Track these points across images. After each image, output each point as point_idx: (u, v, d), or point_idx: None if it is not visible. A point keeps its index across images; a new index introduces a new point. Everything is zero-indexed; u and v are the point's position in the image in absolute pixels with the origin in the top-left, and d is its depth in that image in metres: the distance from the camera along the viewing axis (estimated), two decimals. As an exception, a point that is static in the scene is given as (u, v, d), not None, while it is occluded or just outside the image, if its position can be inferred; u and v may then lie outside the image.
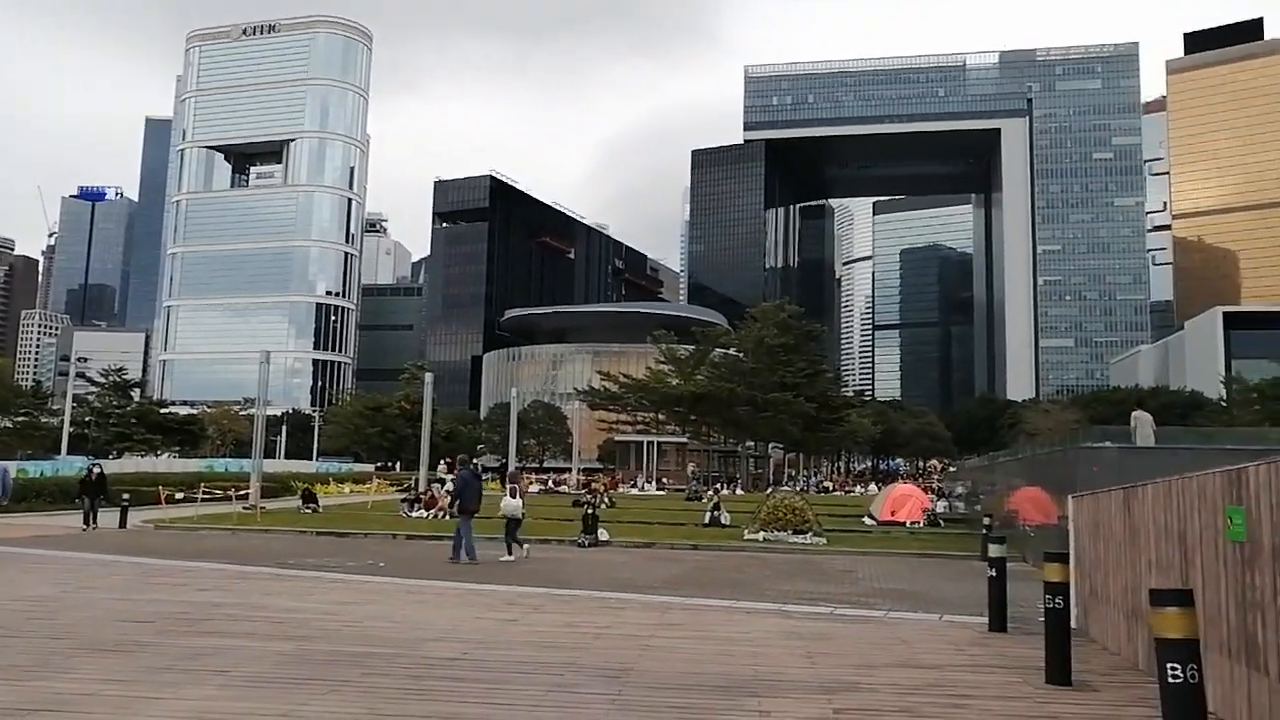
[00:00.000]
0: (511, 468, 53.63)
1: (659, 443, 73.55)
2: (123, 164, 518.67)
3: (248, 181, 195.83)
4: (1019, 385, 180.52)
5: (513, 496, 19.36)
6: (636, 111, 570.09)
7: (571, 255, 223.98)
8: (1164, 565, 7.66)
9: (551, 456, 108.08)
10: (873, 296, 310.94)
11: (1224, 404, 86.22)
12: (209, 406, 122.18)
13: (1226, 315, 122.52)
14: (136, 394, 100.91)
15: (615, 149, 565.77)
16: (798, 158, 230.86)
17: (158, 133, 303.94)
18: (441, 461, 40.81)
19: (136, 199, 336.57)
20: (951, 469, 70.01)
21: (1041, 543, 15.94)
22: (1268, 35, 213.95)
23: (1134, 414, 20.76)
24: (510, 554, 18.54)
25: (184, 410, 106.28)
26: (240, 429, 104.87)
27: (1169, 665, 4.58)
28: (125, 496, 26.41)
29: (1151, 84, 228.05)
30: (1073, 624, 9.03)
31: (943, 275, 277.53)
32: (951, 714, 6.63)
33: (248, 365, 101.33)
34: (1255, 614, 5.85)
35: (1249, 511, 5.94)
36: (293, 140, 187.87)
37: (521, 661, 8.26)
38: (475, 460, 30.82)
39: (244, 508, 31.48)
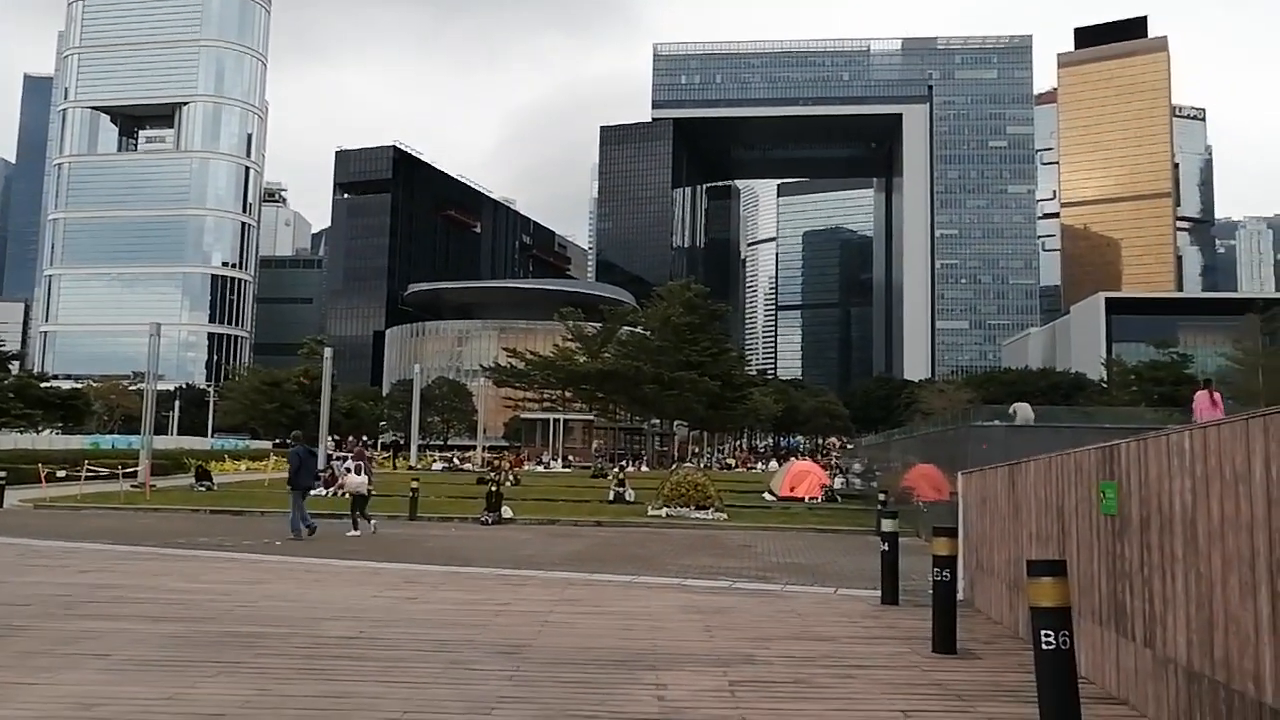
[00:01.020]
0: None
1: (565, 420, 73.40)
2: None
3: (136, 146, 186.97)
4: (915, 365, 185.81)
5: (358, 473, 19.72)
6: (548, 86, 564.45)
7: (478, 229, 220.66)
8: (1044, 538, 8.00)
9: (456, 434, 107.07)
10: (776, 277, 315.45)
11: (1105, 385, 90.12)
12: (95, 381, 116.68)
13: (1109, 301, 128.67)
14: (15, 367, 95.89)
15: (525, 124, 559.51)
16: (705, 138, 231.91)
17: (37, 91, 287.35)
18: (330, 438, 40.15)
19: (14, 160, 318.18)
20: (849, 446, 71.84)
21: (934, 518, 16.41)
22: (1151, 33, 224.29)
23: (1013, 406, 21.73)
24: (356, 529, 18.93)
25: (67, 384, 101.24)
26: (130, 404, 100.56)
27: (1043, 632, 4.80)
28: (1, 474, 25.17)
29: (1044, 76, 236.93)
30: (960, 595, 9.36)
31: (844, 257, 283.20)
32: (842, 684, 6.83)
33: (137, 338, 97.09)
34: (1124, 583, 6.17)
35: (1120, 486, 6.25)
36: (186, 104, 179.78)
37: (419, 639, 8.19)
38: (356, 440, 30.72)
39: (132, 486, 30.32)
